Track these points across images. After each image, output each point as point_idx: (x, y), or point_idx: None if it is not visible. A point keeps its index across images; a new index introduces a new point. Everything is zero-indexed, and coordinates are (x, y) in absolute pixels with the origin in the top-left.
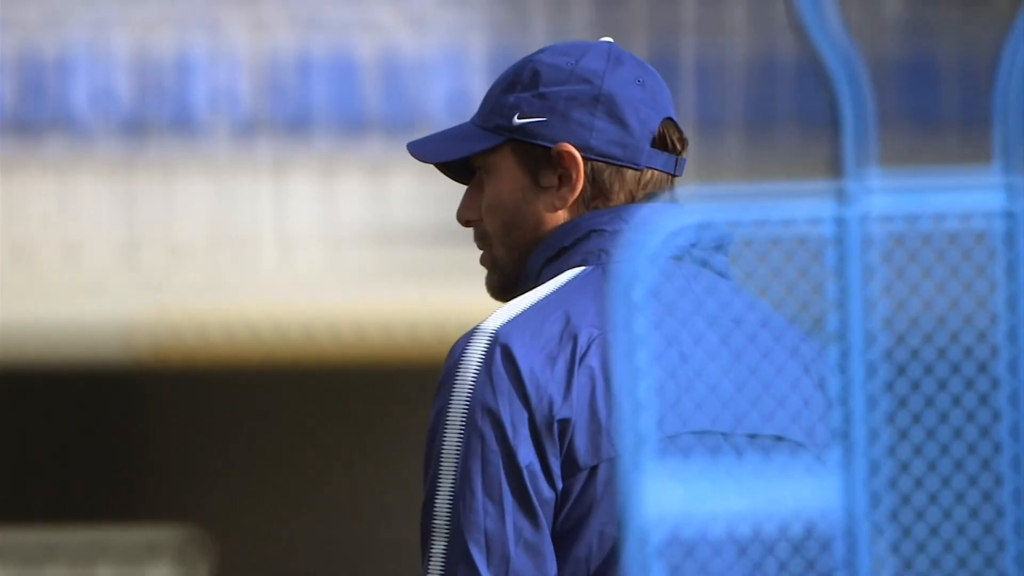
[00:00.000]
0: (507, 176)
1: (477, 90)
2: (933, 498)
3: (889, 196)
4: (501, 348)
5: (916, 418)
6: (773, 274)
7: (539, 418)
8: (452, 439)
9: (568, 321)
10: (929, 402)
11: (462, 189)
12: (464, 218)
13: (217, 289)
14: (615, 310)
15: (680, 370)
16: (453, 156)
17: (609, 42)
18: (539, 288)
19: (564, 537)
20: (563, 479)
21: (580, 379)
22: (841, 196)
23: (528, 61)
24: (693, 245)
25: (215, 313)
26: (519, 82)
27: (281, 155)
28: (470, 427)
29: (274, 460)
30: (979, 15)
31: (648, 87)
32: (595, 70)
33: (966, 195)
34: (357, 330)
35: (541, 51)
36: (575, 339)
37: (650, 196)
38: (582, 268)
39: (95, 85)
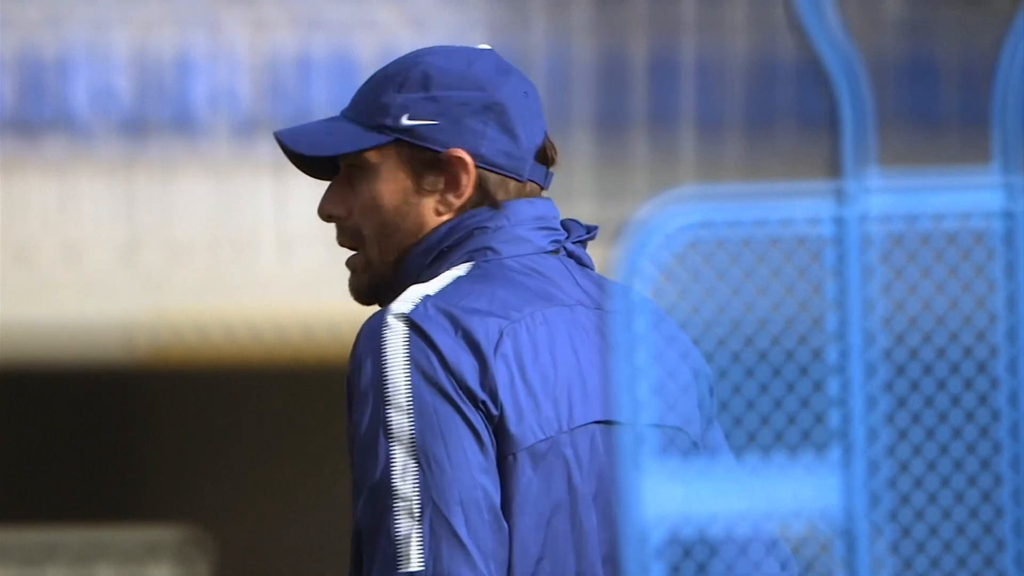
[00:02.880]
0: (389, 177)
1: None
2: (932, 498)
3: (888, 196)
4: (420, 331)
5: (915, 418)
6: (773, 274)
7: (469, 398)
8: (399, 420)
9: (476, 312)
10: (928, 402)
11: None
12: (327, 212)
13: (217, 289)
14: (616, 310)
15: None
16: (335, 151)
17: (490, 49)
18: (432, 282)
19: None
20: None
21: (499, 368)
22: (840, 196)
23: (416, 62)
24: (566, 238)
25: (215, 313)
26: (407, 82)
27: (281, 155)
28: (422, 406)
29: (274, 460)
30: (979, 15)
31: (531, 99)
32: (488, 78)
33: (965, 195)
34: (357, 330)
35: (428, 52)
36: (487, 328)
37: None
38: (471, 264)
39: (95, 85)
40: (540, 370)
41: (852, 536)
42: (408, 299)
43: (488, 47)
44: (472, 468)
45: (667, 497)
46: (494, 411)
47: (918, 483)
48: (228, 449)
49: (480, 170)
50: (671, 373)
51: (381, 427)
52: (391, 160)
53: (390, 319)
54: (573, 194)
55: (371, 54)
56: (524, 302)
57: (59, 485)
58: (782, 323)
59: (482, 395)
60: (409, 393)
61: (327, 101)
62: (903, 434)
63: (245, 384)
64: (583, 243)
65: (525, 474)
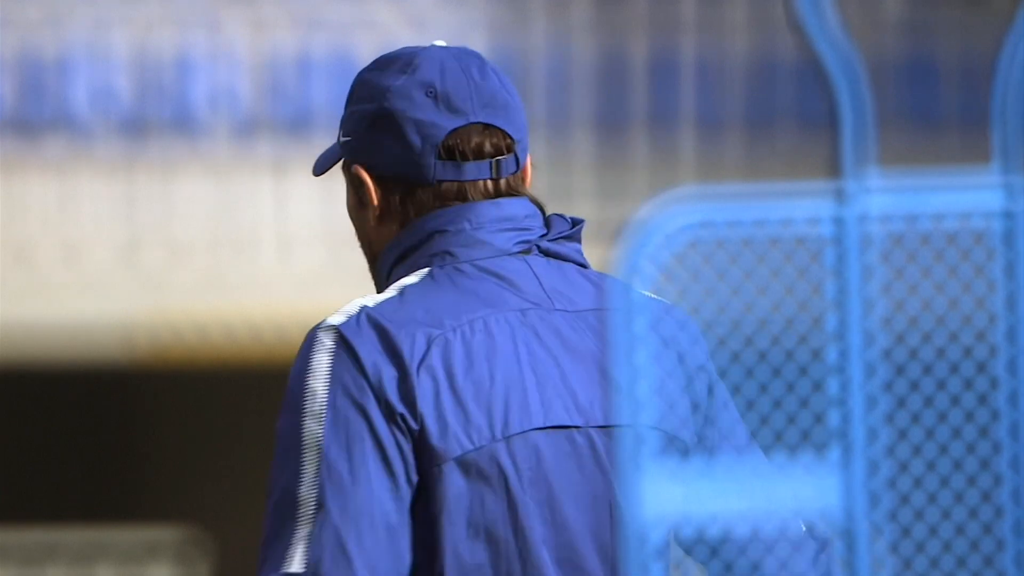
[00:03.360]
0: (348, 192)
1: None
2: (932, 498)
3: (888, 196)
4: (347, 344)
5: (915, 418)
6: (772, 274)
7: (386, 413)
8: (313, 430)
9: (407, 323)
10: (928, 402)
11: None
12: None
13: (217, 289)
14: (615, 310)
15: (528, 363)
16: (322, 171)
17: (421, 47)
18: (381, 294)
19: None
20: (416, 471)
21: (422, 380)
22: (840, 196)
23: (359, 74)
24: (542, 236)
25: (215, 313)
26: (349, 97)
27: (281, 155)
28: (335, 418)
29: None
30: (979, 15)
31: (441, 95)
32: (385, 87)
33: (965, 195)
34: None
35: (372, 62)
36: (413, 340)
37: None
38: (426, 270)
39: (95, 85)
40: (473, 379)
41: (852, 536)
42: (344, 311)
43: (441, 43)
44: (373, 485)
45: (667, 497)
46: (414, 424)
47: (918, 483)
48: (228, 449)
49: (383, 182)
50: (669, 375)
51: (295, 434)
52: (347, 176)
53: (320, 332)
54: (573, 194)
55: (371, 54)
56: (465, 310)
57: (59, 485)
58: (782, 323)
59: (401, 408)
60: (324, 403)
61: (327, 101)
62: (903, 434)
63: (245, 384)
64: (569, 238)
65: (455, 485)
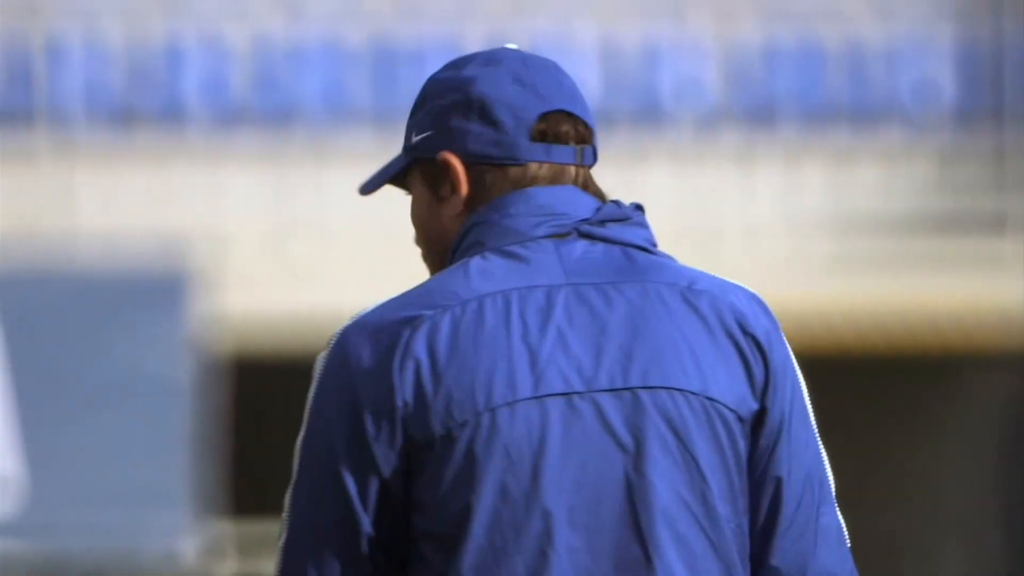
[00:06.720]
0: (417, 194)
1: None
2: None
3: None
4: (339, 346)
5: None
6: None
7: (370, 410)
8: (304, 441)
9: (405, 308)
10: None
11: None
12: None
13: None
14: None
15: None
16: (373, 188)
17: (500, 48)
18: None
19: (420, 514)
20: (405, 460)
21: (407, 365)
22: None
23: (428, 79)
24: (583, 220)
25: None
26: (417, 104)
27: (272, 146)
28: (309, 425)
29: (274, 459)
30: None
31: (528, 83)
32: (470, 77)
33: None
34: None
35: (440, 69)
36: (400, 328)
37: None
38: (457, 263)
39: (86, 75)
40: (457, 358)
41: None
42: (354, 313)
43: (511, 46)
44: (347, 501)
45: None
46: (399, 413)
47: None
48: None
49: (473, 166)
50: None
51: (298, 444)
52: (416, 179)
53: (332, 336)
54: None
55: (364, 40)
56: (464, 291)
57: None
58: None
59: (384, 399)
60: (312, 416)
61: (318, 91)
62: None
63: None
64: (619, 220)
65: (446, 464)
